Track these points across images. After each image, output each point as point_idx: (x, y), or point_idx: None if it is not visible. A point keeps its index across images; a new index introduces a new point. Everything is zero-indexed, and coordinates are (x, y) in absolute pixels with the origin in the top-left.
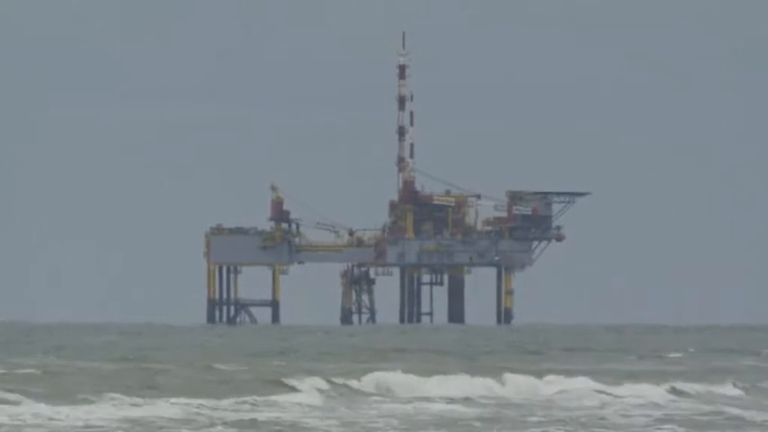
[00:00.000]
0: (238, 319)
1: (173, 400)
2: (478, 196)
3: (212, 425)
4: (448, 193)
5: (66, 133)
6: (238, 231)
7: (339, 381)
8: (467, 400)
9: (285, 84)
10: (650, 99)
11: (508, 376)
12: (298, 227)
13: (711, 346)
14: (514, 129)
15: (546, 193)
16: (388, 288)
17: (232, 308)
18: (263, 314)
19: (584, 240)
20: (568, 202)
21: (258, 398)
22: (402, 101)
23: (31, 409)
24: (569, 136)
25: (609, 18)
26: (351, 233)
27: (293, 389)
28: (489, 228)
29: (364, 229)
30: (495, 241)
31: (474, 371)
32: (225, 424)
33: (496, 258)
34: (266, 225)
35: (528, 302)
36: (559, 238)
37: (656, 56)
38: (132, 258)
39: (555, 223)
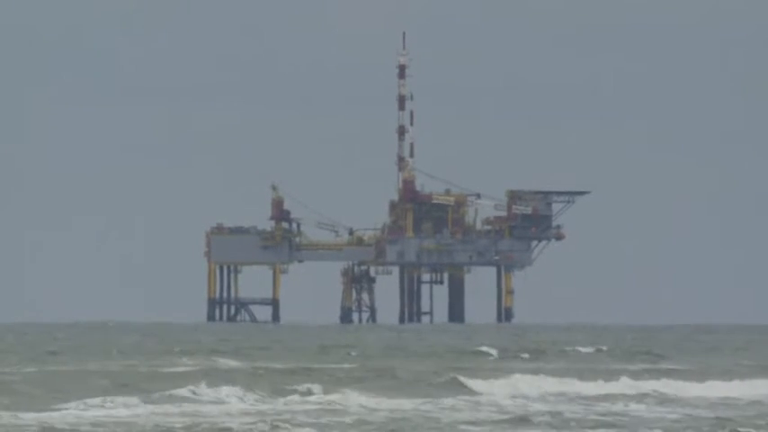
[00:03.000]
0: (238, 318)
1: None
2: (478, 195)
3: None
4: (448, 192)
5: (67, 132)
6: (239, 231)
7: None
8: None
9: (286, 84)
10: (650, 99)
11: None
12: (298, 226)
13: None
14: (514, 129)
15: (546, 193)
16: (387, 287)
17: (232, 306)
18: (264, 313)
19: (584, 240)
20: (568, 201)
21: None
22: (402, 100)
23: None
24: (569, 136)
25: (609, 18)
26: (351, 232)
27: None
28: (489, 227)
29: (364, 229)
30: (495, 241)
31: None
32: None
33: (496, 258)
34: (267, 224)
35: (528, 302)
36: (559, 238)
37: (655, 56)
38: (133, 257)
39: (555, 222)
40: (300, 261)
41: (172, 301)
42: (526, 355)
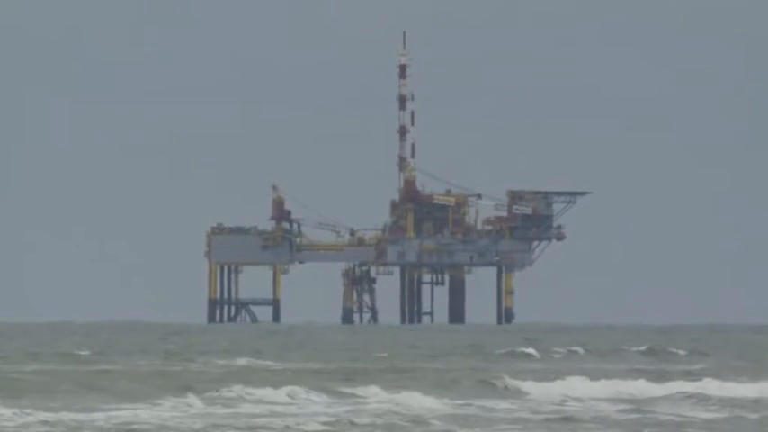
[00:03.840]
0: (239, 319)
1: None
2: (479, 196)
3: None
4: (448, 192)
5: (67, 133)
6: (239, 231)
7: None
8: None
9: (286, 84)
10: (650, 99)
11: None
12: (299, 226)
13: None
14: (514, 129)
15: (546, 193)
16: (388, 287)
17: (233, 307)
18: (264, 313)
19: (584, 240)
20: (569, 201)
21: None
22: (403, 101)
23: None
24: (569, 136)
25: (609, 18)
26: (352, 233)
27: None
28: (489, 227)
29: (365, 229)
30: (496, 241)
31: None
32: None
33: (497, 258)
34: (267, 225)
35: (528, 302)
36: (560, 238)
37: (656, 56)
38: (133, 257)
39: (555, 223)
40: (301, 261)
41: (172, 302)
42: (567, 355)
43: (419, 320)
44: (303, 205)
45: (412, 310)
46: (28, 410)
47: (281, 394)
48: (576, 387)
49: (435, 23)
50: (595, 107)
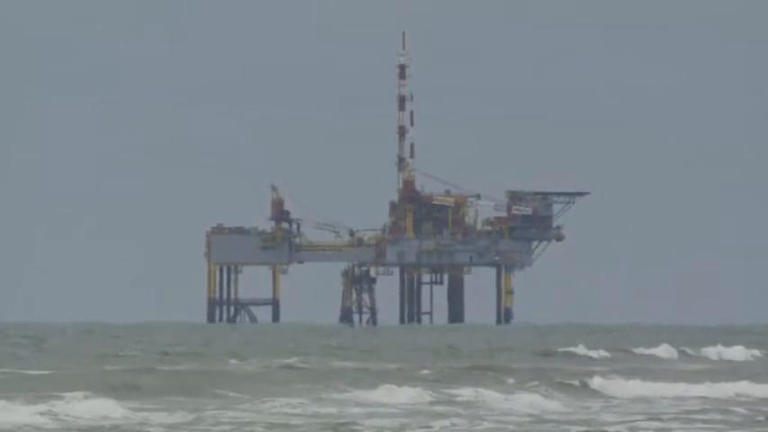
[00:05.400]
0: (238, 319)
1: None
2: (478, 196)
3: None
4: (448, 193)
5: (67, 133)
6: (239, 231)
7: None
8: None
9: (286, 84)
10: (650, 99)
11: None
12: (298, 227)
13: None
14: (514, 129)
15: (546, 193)
16: (388, 288)
17: (232, 307)
18: (264, 313)
19: (584, 240)
20: (568, 202)
21: None
22: (402, 101)
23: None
24: (569, 136)
25: (609, 18)
26: (351, 233)
27: None
28: (489, 227)
29: (364, 229)
30: (495, 241)
31: None
32: None
33: (496, 258)
34: (267, 225)
35: (528, 302)
36: (559, 238)
37: (656, 56)
38: (133, 258)
39: (555, 223)
40: (301, 262)
41: (172, 302)
42: (621, 356)
43: (419, 321)
44: (303, 205)
45: (411, 310)
46: (299, 401)
47: (422, 395)
48: (642, 386)
49: (435, 23)
50: (595, 107)
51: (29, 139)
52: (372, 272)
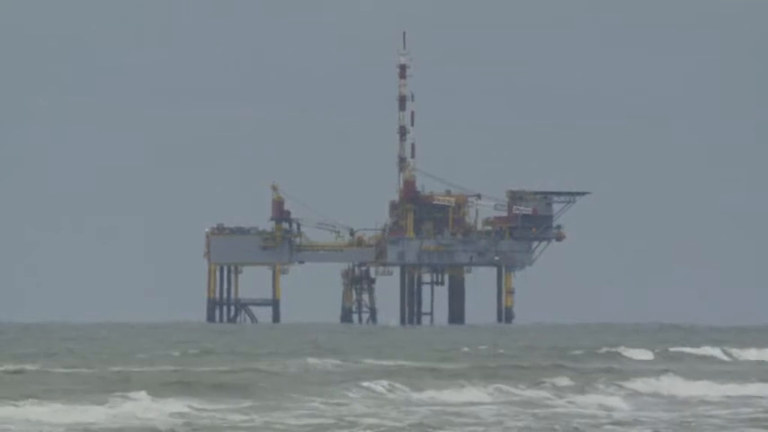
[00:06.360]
0: (238, 319)
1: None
2: (478, 196)
3: None
4: (448, 192)
5: (68, 133)
6: (239, 231)
7: None
8: None
9: (286, 84)
10: (650, 99)
11: None
12: (298, 227)
13: None
14: (514, 129)
15: (546, 193)
16: (388, 288)
17: (232, 307)
18: (264, 314)
19: (584, 240)
20: (569, 201)
21: None
22: (403, 101)
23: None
24: (569, 136)
25: (608, 18)
26: (351, 233)
27: None
28: (489, 227)
29: (365, 229)
30: (496, 241)
31: None
32: None
33: (496, 258)
34: (267, 225)
35: (528, 302)
36: (560, 238)
37: (656, 56)
38: (133, 257)
39: (555, 223)
40: (301, 262)
41: (172, 302)
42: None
43: (419, 321)
44: (303, 205)
45: (412, 310)
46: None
47: (482, 393)
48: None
49: (435, 23)
50: (596, 107)
51: (29, 139)
52: (372, 272)
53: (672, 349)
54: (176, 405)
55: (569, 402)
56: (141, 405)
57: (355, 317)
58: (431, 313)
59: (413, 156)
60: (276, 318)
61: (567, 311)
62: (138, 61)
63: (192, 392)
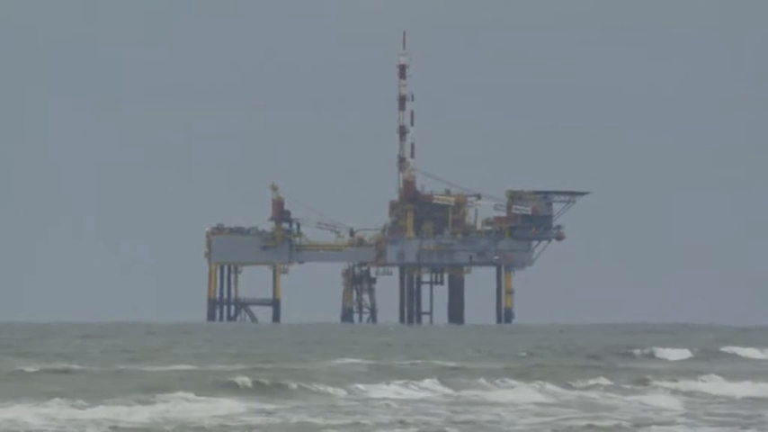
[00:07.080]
0: (238, 319)
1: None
2: (478, 196)
3: None
4: (448, 192)
5: (68, 133)
6: (239, 231)
7: None
8: None
9: (286, 84)
10: (650, 99)
11: None
12: (298, 227)
13: None
14: (514, 129)
15: (546, 193)
16: (388, 287)
17: (232, 307)
18: (264, 313)
19: (584, 240)
20: (569, 201)
21: None
22: (402, 101)
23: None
24: (569, 136)
25: (608, 19)
26: (351, 233)
27: None
28: (489, 227)
29: (365, 229)
30: (495, 241)
31: None
32: None
33: (496, 258)
34: (267, 225)
35: (528, 302)
36: (559, 238)
37: (656, 56)
38: (133, 257)
39: (555, 223)
40: (301, 262)
41: (172, 302)
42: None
43: (419, 320)
44: (303, 205)
45: (411, 309)
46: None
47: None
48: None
49: (435, 23)
50: (595, 107)
51: (29, 139)
52: (372, 272)
53: (708, 349)
54: (226, 405)
55: (624, 402)
56: (186, 405)
57: (355, 316)
58: (430, 313)
59: (413, 155)
60: (276, 317)
61: (566, 311)
62: (138, 61)
63: (235, 392)
